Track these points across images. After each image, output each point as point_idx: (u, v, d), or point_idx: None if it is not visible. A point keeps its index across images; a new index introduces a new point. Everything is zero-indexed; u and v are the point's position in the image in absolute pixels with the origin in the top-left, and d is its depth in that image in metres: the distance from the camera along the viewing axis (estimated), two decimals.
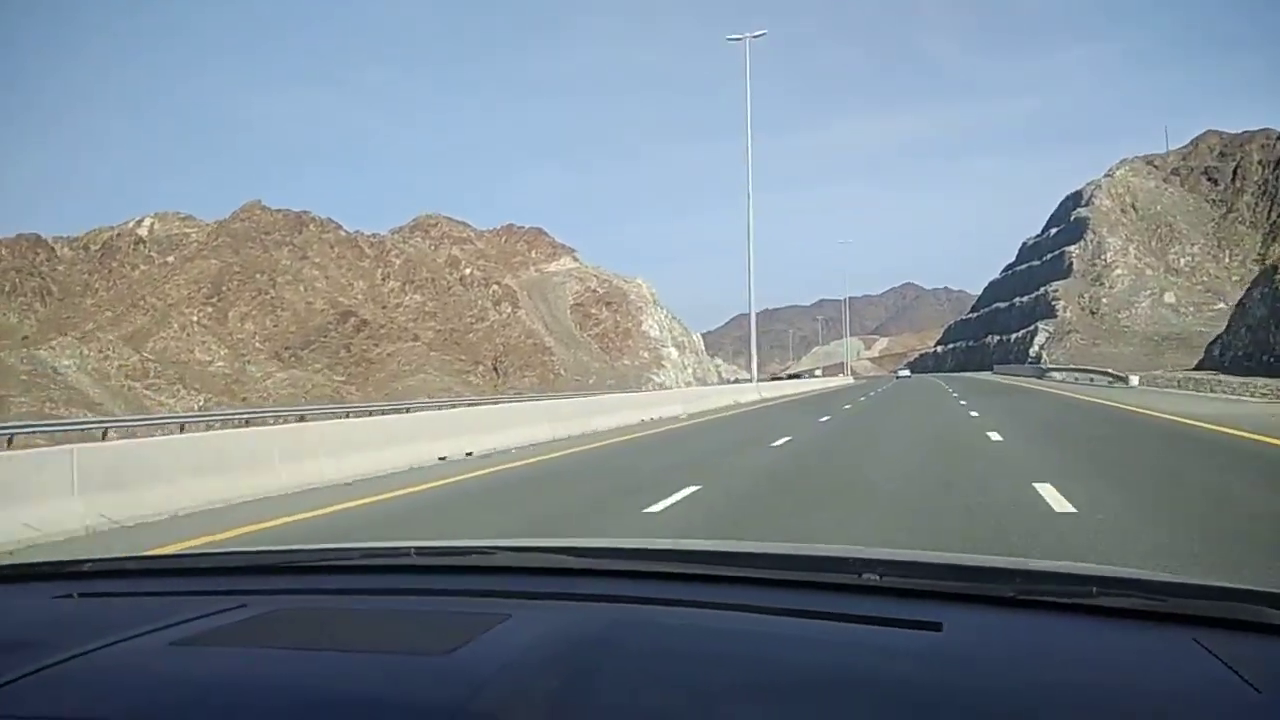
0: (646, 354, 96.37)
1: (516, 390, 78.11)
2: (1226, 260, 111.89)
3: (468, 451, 15.12)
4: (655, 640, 1.20)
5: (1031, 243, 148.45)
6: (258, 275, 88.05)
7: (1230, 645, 1.08)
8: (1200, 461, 12.03)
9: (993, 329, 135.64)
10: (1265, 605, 1.18)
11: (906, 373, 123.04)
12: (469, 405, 39.70)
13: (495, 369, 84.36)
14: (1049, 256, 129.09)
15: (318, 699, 1.01)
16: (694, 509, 8.99)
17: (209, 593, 1.48)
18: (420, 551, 1.67)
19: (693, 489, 10.02)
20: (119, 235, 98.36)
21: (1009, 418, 21.60)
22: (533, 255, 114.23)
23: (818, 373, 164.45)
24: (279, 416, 44.90)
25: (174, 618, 1.28)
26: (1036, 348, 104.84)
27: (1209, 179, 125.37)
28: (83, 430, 32.99)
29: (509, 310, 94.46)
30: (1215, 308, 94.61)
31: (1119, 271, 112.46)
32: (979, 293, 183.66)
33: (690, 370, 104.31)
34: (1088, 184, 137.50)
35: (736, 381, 53.38)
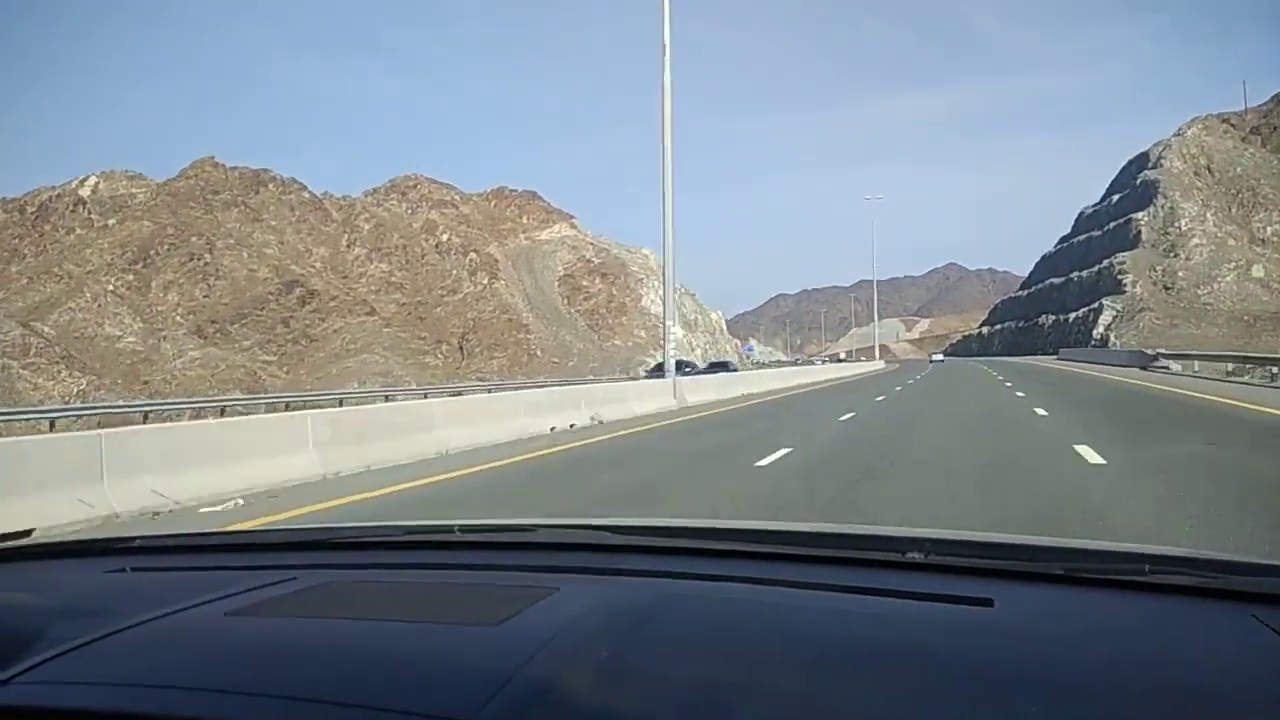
0: (644, 333, 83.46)
1: (480, 375, 65.91)
2: None
3: None
4: (701, 613, 1.21)
5: (1090, 211, 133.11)
6: (194, 239, 76.47)
7: None
8: None
9: (1047, 308, 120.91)
10: None
11: (940, 358, 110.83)
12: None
13: (460, 348, 72.12)
14: (1111, 225, 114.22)
15: (374, 664, 1.01)
16: None
17: (258, 567, 1.49)
18: (464, 529, 1.72)
19: None
20: (59, 196, 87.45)
21: None
22: (524, 221, 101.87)
23: (842, 355, 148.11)
24: (168, 415, 34.53)
25: (227, 589, 1.30)
26: (1101, 328, 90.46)
27: None
28: None
29: (486, 281, 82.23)
30: None
31: (1196, 241, 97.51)
32: (1026, 274, 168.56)
33: (699, 352, 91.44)
34: (1154, 145, 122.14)
35: (690, 371, 39.73)
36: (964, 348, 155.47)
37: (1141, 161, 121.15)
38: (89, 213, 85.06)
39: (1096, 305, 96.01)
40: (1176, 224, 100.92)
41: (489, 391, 32.31)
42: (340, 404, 32.48)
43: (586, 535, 1.64)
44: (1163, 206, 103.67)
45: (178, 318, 68.50)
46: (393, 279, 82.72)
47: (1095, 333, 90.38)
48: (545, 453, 13.02)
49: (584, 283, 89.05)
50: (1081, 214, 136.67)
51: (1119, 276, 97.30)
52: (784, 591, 1.27)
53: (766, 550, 1.48)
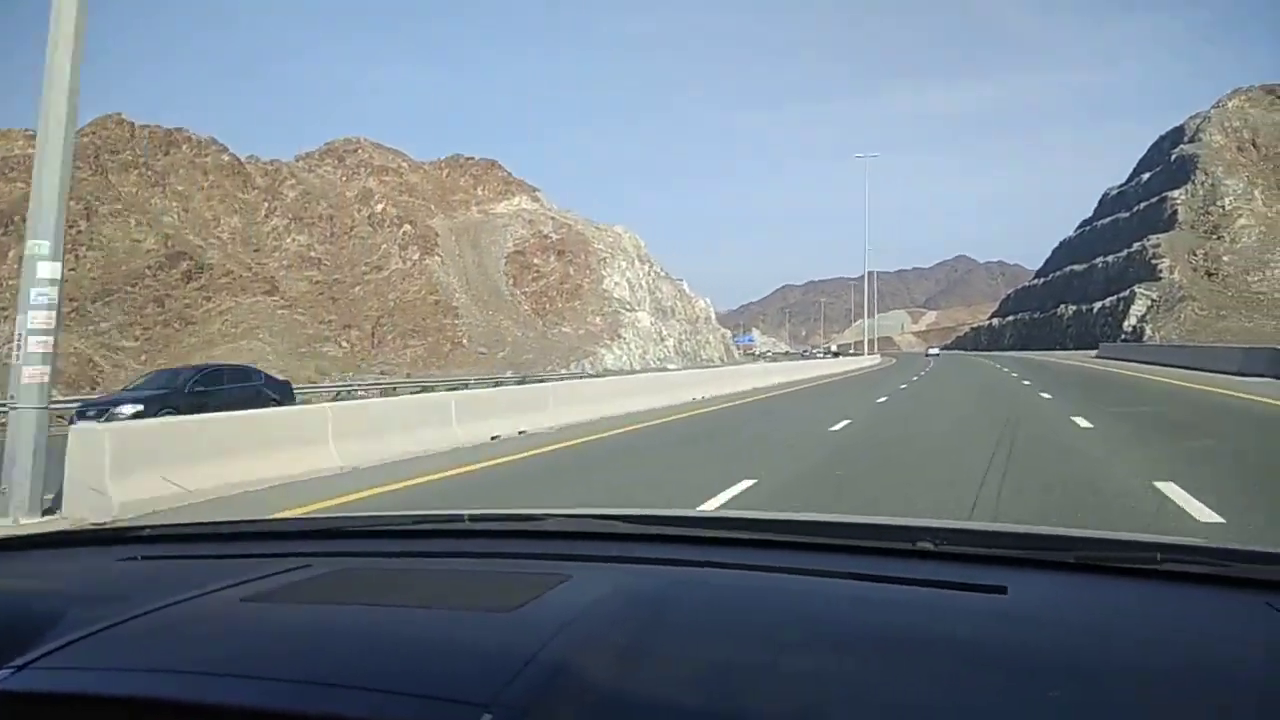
0: (599, 319, 71.80)
1: (388, 366, 54.39)
2: None
3: None
4: (714, 599, 1.20)
5: (1116, 192, 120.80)
6: (70, 204, 64.88)
7: None
8: None
9: (1067, 297, 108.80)
10: None
11: (936, 351, 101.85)
12: None
13: (373, 334, 60.57)
14: (1142, 206, 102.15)
15: (393, 649, 1.01)
16: None
17: (271, 555, 1.49)
18: (474, 518, 1.72)
19: None
20: None
21: None
22: (479, 193, 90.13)
23: (834, 349, 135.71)
24: None
25: (241, 576, 1.30)
26: (1134, 319, 78.54)
27: None
28: None
29: (416, 257, 70.64)
30: None
31: (1243, 222, 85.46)
32: (1037, 267, 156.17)
33: (672, 344, 79.58)
34: (1190, 118, 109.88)
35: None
36: (971, 341, 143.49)
37: (1175, 136, 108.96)
38: None
39: (1127, 293, 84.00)
40: (1219, 203, 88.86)
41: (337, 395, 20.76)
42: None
43: (598, 524, 1.65)
44: (1202, 184, 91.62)
45: None
46: (311, 253, 71.17)
47: (1126, 324, 78.44)
48: None
49: (535, 260, 77.42)
50: (1106, 195, 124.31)
51: (1153, 261, 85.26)
52: (798, 579, 1.26)
53: (777, 539, 1.47)
